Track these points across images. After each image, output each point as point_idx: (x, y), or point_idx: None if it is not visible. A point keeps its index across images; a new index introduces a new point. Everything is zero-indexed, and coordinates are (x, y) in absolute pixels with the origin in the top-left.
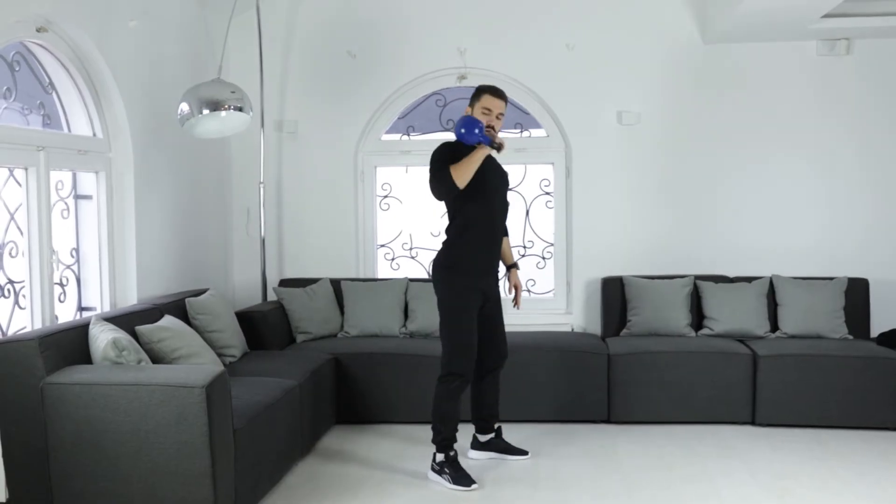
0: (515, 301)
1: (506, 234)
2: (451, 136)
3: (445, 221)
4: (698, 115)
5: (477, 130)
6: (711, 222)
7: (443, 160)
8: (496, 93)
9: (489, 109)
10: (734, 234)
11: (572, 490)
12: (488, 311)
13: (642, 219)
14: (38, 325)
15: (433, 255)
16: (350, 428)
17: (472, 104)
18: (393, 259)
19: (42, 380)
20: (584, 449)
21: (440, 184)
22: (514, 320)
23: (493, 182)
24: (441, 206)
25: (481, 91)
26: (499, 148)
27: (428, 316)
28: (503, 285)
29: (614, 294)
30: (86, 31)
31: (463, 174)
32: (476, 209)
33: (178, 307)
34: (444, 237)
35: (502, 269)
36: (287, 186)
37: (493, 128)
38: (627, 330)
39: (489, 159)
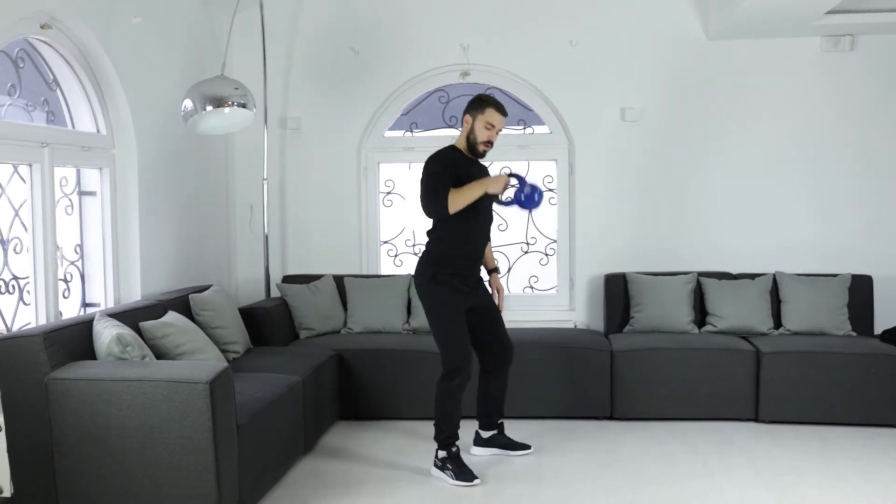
0: (498, 305)
1: (488, 239)
2: (454, 133)
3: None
4: (701, 112)
5: (537, 197)
6: (714, 218)
7: (439, 176)
8: (501, 109)
9: (492, 125)
10: (737, 230)
11: (575, 486)
12: (482, 306)
13: (645, 215)
14: (42, 321)
15: None
16: (353, 424)
17: (471, 113)
18: (396, 255)
19: (46, 375)
20: (587, 445)
21: (432, 203)
22: (517, 317)
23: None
24: None
25: (485, 104)
26: (482, 155)
27: None
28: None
29: (617, 291)
30: (90, 27)
31: (458, 204)
32: (463, 217)
33: (181, 303)
34: (427, 240)
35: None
36: (290, 183)
37: (491, 143)
38: (630, 326)
39: (480, 171)
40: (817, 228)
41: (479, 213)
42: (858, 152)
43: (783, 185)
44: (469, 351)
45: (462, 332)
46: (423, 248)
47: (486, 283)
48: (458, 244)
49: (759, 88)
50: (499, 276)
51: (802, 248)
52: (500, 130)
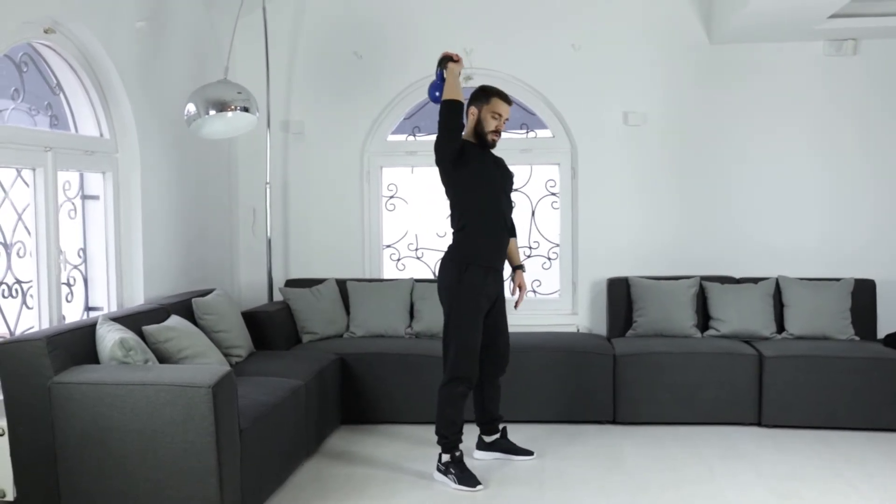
0: (517, 302)
1: (513, 234)
2: None
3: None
4: (704, 116)
5: (430, 91)
6: (717, 223)
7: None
8: (506, 98)
9: (499, 115)
10: (740, 234)
11: (578, 490)
12: (494, 315)
13: (648, 219)
14: (45, 325)
15: (438, 255)
16: (355, 428)
17: (476, 105)
18: (399, 259)
19: (49, 379)
20: (590, 449)
21: (444, 132)
22: (521, 321)
23: (498, 179)
24: (447, 206)
25: (490, 94)
26: (492, 144)
27: (433, 316)
28: (507, 286)
29: (620, 295)
30: (93, 32)
31: (455, 92)
32: (483, 204)
33: (184, 307)
34: (450, 238)
35: (507, 270)
36: (293, 187)
37: (499, 132)
38: (633, 331)
39: (495, 160)
40: (820, 232)
41: (499, 198)
42: (861, 156)
43: (786, 189)
44: (477, 363)
45: (476, 343)
46: (450, 247)
47: (507, 282)
48: (483, 229)
49: (762, 93)
50: (523, 273)
51: (805, 252)
52: (507, 119)
